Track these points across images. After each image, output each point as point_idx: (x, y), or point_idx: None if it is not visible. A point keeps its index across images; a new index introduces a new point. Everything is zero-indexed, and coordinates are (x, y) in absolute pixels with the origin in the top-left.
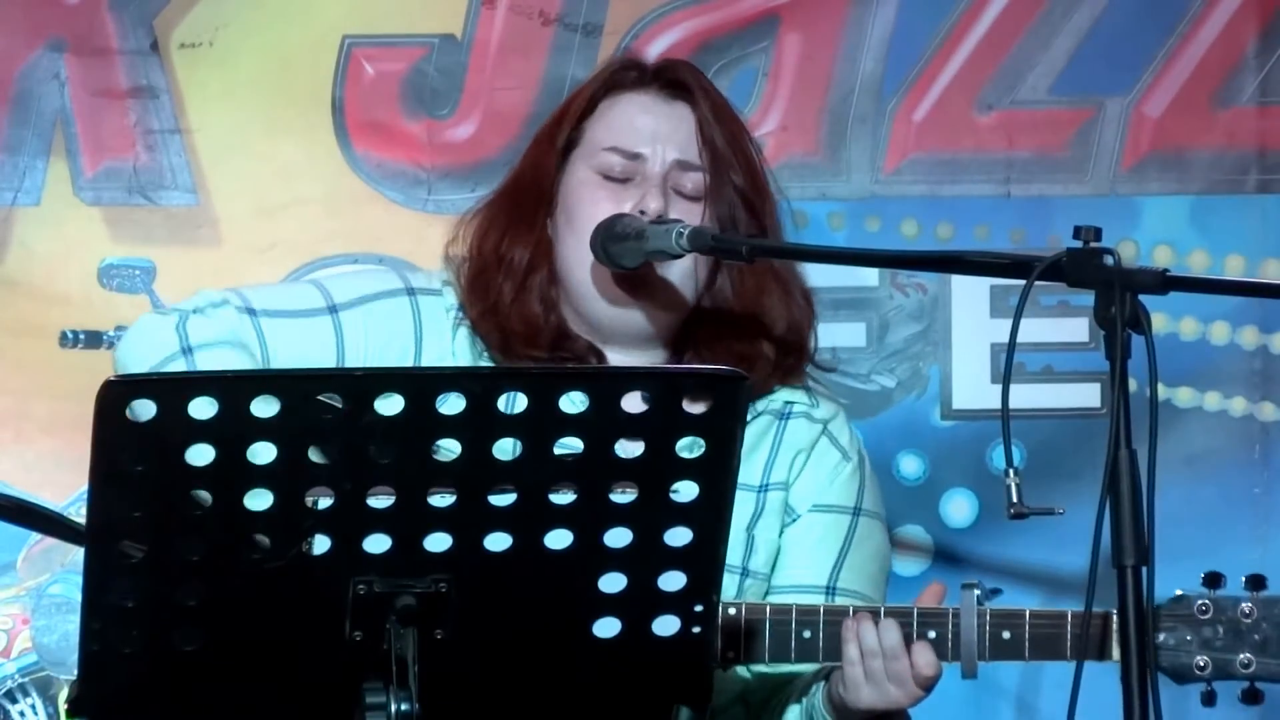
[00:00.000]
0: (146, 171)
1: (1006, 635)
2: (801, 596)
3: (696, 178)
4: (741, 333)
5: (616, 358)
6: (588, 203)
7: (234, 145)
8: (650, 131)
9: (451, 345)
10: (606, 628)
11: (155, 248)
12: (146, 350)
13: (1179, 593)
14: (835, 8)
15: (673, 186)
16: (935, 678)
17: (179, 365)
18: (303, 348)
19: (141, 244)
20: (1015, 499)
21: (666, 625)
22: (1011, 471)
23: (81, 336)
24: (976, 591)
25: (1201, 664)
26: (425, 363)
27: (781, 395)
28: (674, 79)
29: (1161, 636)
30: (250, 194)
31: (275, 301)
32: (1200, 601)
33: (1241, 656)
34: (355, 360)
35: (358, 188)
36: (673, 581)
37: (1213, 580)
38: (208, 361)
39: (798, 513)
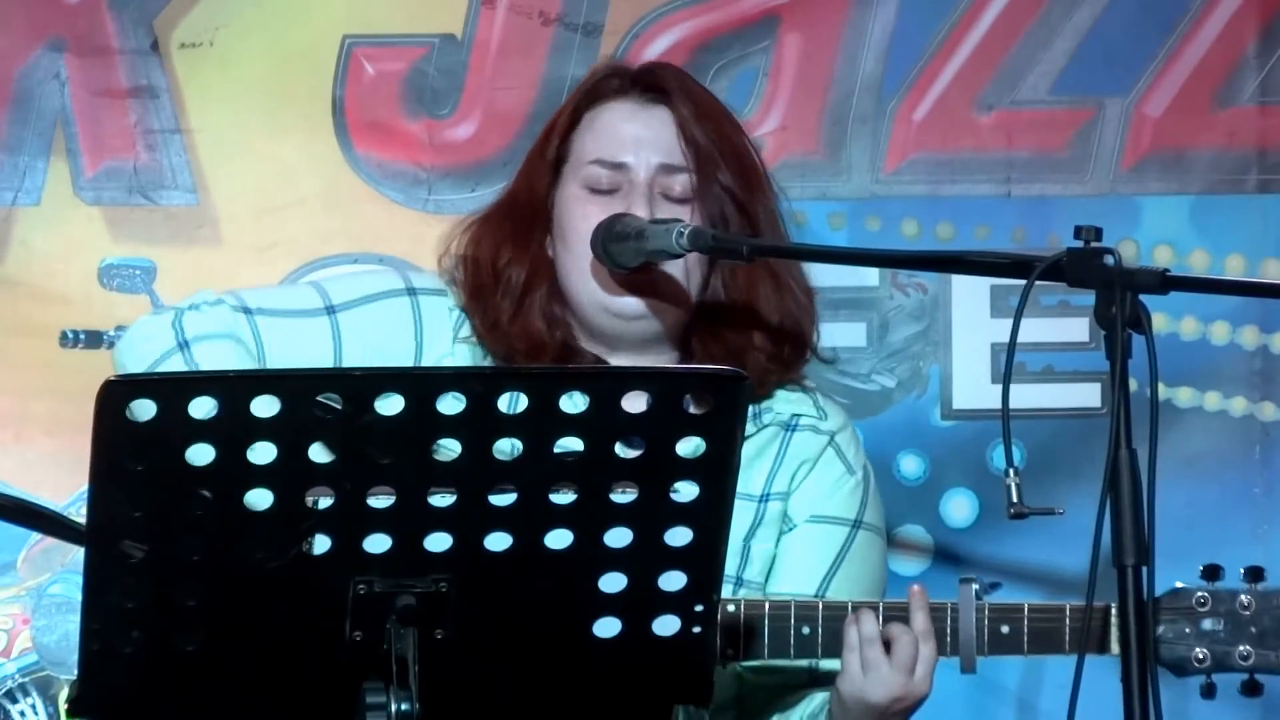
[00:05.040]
0: (147, 171)
1: (1005, 629)
2: (779, 600)
3: (684, 179)
4: (734, 327)
5: (625, 365)
6: (578, 218)
7: (234, 145)
8: (632, 139)
9: (452, 346)
10: (607, 628)
11: (155, 248)
12: (143, 349)
13: (1178, 585)
14: (835, 8)
15: (661, 192)
16: (914, 657)
17: (176, 360)
18: (299, 348)
19: (142, 244)
20: (1015, 499)
21: (667, 625)
22: (1012, 471)
23: (81, 336)
24: (975, 586)
25: (1200, 656)
26: (426, 364)
27: (789, 407)
28: (652, 83)
29: (1160, 629)
30: (250, 194)
31: (272, 301)
32: (1199, 594)
33: (1240, 649)
34: (353, 362)
35: (358, 188)
36: (673, 581)
37: (1211, 573)
38: (205, 354)
39: (795, 522)
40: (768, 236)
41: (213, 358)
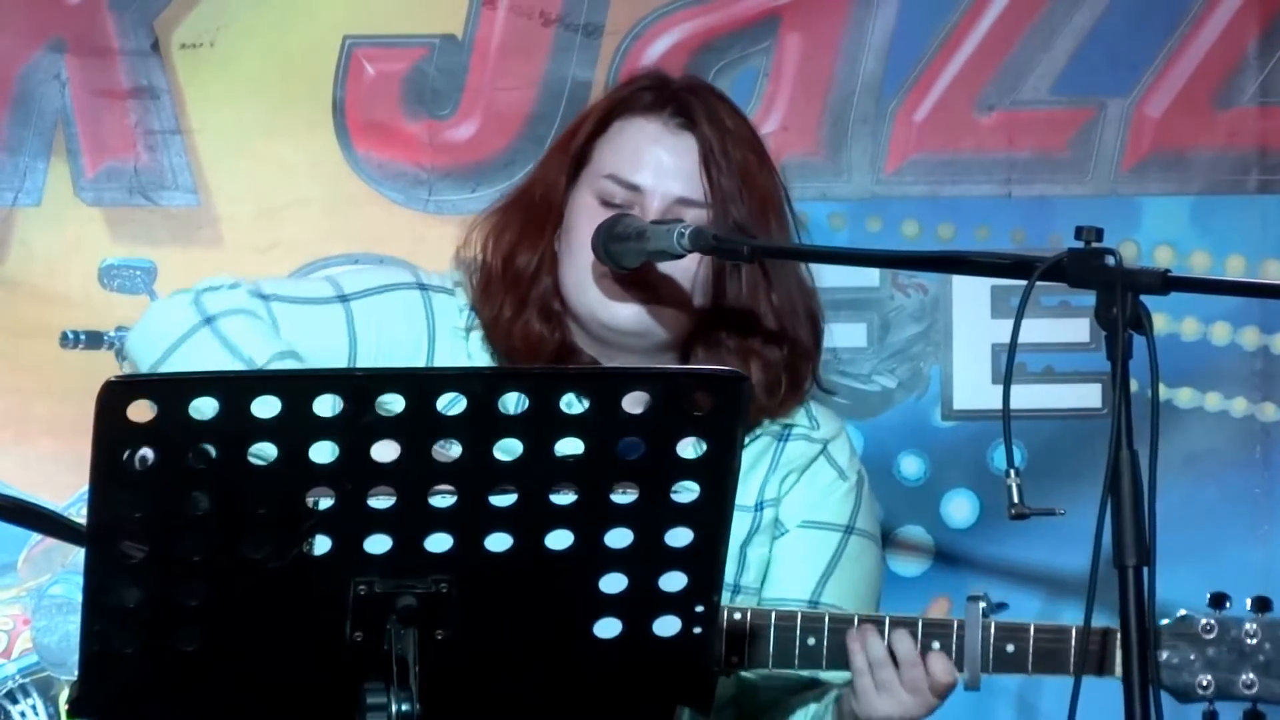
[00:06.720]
0: (147, 172)
1: (1010, 648)
2: (785, 609)
3: (699, 213)
4: (734, 347)
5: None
6: (585, 228)
7: (235, 146)
8: (653, 165)
9: (465, 345)
10: (607, 628)
11: (156, 248)
12: (164, 330)
13: (1183, 612)
14: (836, 8)
15: (673, 219)
16: (951, 685)
17: (204, 335)
18: (314, 334)
19: (142, 244)
20: (1016, 499)
21: (667, 626)
22: (1012, 472)
23: (82, 337)
24: (982, 604)
25: (1204, 684)
26: (438, 360)
27: (783, 417)
28: (683, 107)
29: (1165, 655)
30: (251, 194)
31: (286, 289)
32: (1205, 621)
33: (1245, 677)
34: (367, 350)
35: (358, 188)
36: (673, 582)
37: (1218, 600)
38: (233, 328)
39: (786, 527)
40: (776, 275)
41: (242, 331)
